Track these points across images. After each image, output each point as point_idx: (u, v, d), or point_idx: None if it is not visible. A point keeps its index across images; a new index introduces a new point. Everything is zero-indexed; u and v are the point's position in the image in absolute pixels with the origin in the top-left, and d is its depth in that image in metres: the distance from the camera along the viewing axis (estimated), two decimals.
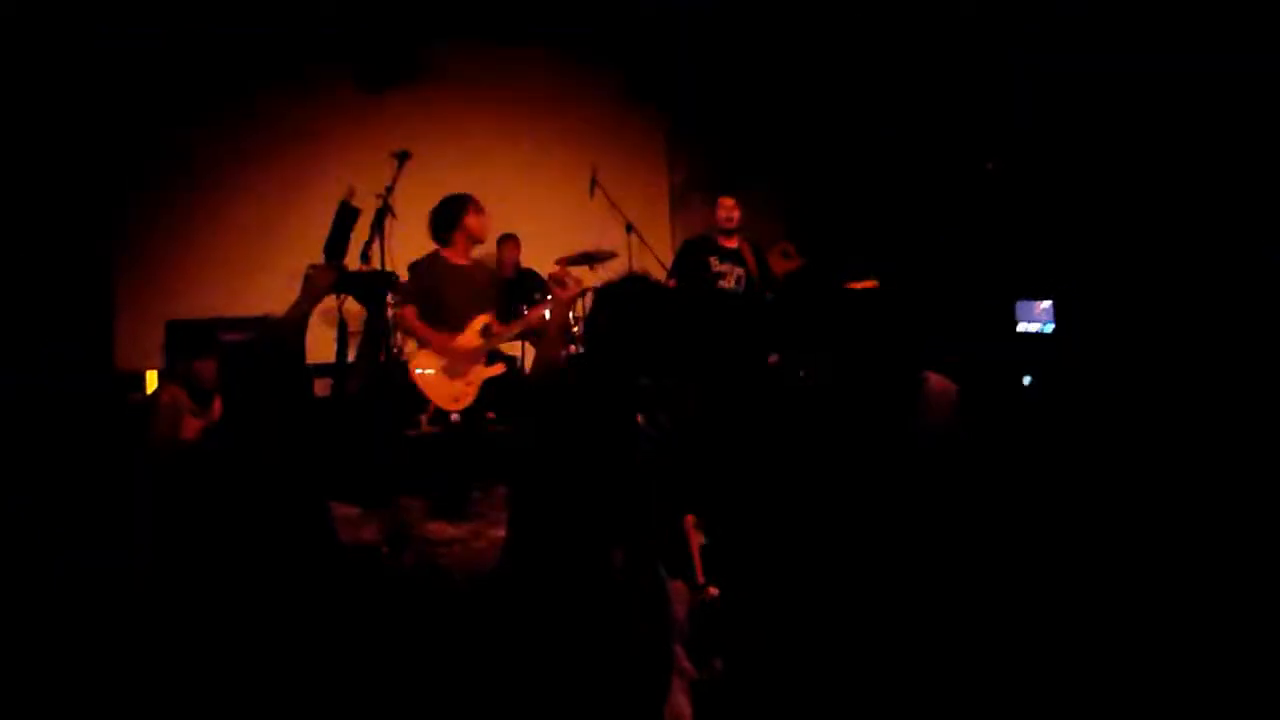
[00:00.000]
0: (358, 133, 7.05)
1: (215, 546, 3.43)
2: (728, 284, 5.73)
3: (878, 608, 3.01)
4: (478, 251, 5.48)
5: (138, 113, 6.73)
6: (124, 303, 6.74)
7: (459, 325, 5.05)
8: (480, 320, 5.10)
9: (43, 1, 6.18)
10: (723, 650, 3.08)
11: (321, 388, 6.42)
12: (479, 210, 5.18)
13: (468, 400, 4.96)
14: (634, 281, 2.89)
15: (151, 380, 6.25)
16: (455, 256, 5.14)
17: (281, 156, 7.18)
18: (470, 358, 5.00)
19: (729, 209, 5.74)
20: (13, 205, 6.04)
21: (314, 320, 6.71)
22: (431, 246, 5.19)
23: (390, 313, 5.62)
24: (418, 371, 4.96)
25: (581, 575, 2.80)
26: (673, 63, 7.73)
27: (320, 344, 6.74)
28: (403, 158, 5.29)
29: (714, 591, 3.37)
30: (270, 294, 6.72)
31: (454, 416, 5.00)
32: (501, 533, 3.97)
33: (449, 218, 5.13)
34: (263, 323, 6.34)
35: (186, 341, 5.29)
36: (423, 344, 5.03)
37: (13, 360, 5.55)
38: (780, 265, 6.31)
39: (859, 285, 5.57)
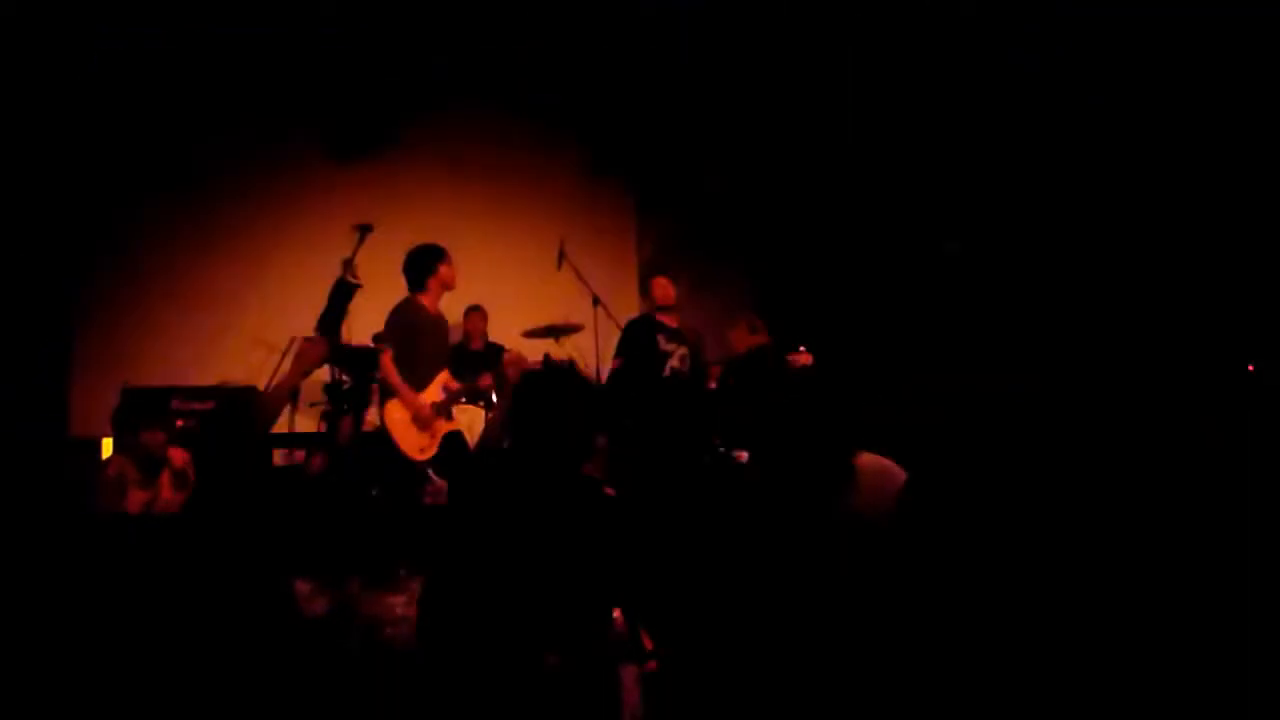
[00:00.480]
0: (321, 203, 7.09)
1: (160, 621, 3.34)
2: (674, 363, 5.82)
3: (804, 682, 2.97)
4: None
5: (103, 175, 6.73)
6: (81, 367, 6.66)
7: (426, 377, 5.26)
8: (441, 377, 5.33)
9: (23, 50, 6.22)
10: None
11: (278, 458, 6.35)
12: (449, 260, 5.40)
13: (431, 452, 5.19)
14: (556, 371, 2.92)
15: (107, 447, 6.15)
16: (430, 304, 5.34)
17: (246, 225, 7.19)
18: (434, 411, 5.21)
19: (664, 287, 5.96)
20: None
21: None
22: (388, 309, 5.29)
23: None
24: (391, 418, 5.13)
25: (508, 679, 2.74)
26: (640, 138, 7.84)
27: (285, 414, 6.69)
28: (364, 231, 5.30)
29: (652, 666, 3.30)
30: (229, 362, 6.73)
31: (419, 453, 5.18)
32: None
33: (424, 266, 5.32)
34: (221, 392, 6.32)
35: (137, 409, 5.22)
36: (392, 394, 5.16)
37: None
38: (745, 340, 6.32)
39: (795, 358, 5.58)
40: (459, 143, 7.64)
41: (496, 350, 6.87)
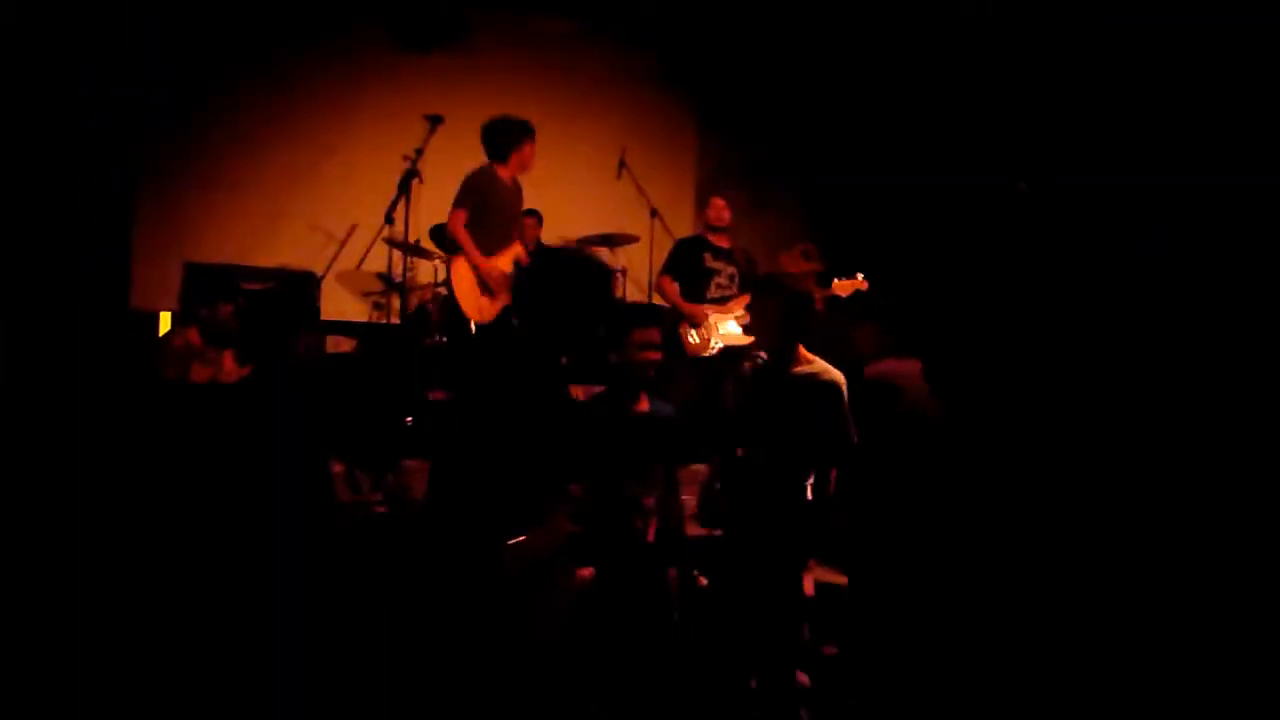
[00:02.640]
0: (389, 94, 7.02)
1: (214, 488, 3.46)
2: (721, 281, 5.84)
3: None
4: None
5: (172, 55, 6.71)
6: (142, 242, 6.74)
7: (497, 246, 5.27)
8: (514, 249, 5.37)
9: None
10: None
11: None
12: (534, 140, 5.35)
13: (489, 316, 5.21)
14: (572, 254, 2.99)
15: (165, 321, 6.27)
16: (505, 177, 5.32)
17: (310, 111, 7.15)
18: (500, 282, 5.24)
19: (719, 209, 5.94)
20: (36, 136, 6.05)
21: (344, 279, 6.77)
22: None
23: None
24: (457, 273, 5.16)
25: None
26: (708, 51, 7.69)
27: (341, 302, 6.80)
28: (435, 121, 5.33)
29: (703, 581, 3.41)
30: (289, 245, 6.80)
31: (476, 314, 5.19)
32: None
33: (510, 138, 5.28)
34: (281, 274, 6.39)
35: (207, 285, 5.31)
36: (462, 253, 5.18)
37: (29, 292, 5.56)
38: (798, 265, 6.29)
39: (846, 283, 5.52)
40: (526, 41, 7.53)
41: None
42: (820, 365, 3.43)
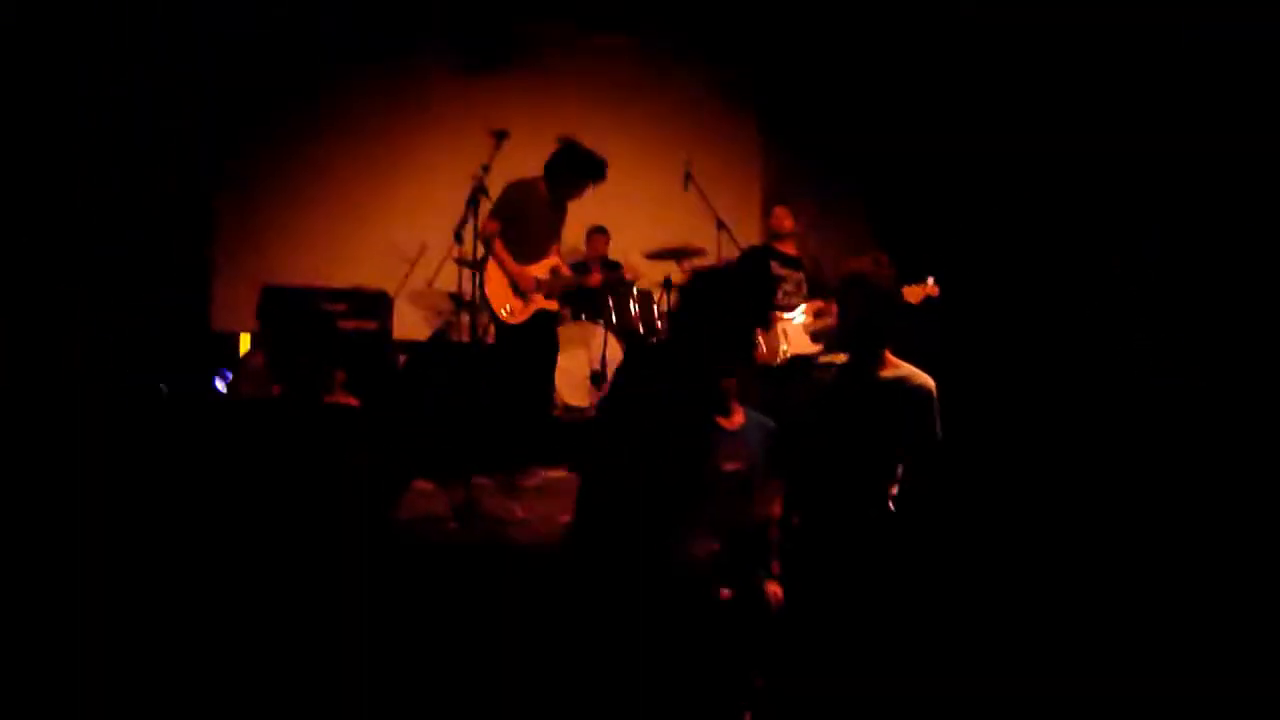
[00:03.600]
0: (456, 112, 7.13)
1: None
2: (788, 288, 5.83)
3: None
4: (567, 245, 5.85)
5: (252, 79, 6.90)
6: (222, 263, 6.93)
7: (530, 257, 5.38)
8: (552, 259, 5.49)
9: None
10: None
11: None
12: (596, 184, 5.46)
13: (519, 318, 5.32)
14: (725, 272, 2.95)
15: (245, 343, 6.43)
16: (547, 192, 5.39)
17: (379, 132, 7.31)
18: (533, 286, 5.35)
19: (781, 217, 6.01)
20: (125, 156, 6.26)
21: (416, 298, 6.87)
22: None
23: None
24: (489, 275, 5.31)
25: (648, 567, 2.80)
26: (770, 65, 7.66)
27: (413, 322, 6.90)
28: (500, 136, 5.40)
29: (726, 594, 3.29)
30: (364, 267, 6.92)
31: (505, 313, 5.31)
32: (567, 518, 4.01)
33: (574, 174, 5.37)
34: (355, 295, 6.52)
35: (282, 309, 5.44)
36: (494, 258, 5.32)
37: (112, 309, 5.74)
38: (872, 271, 6.20)
39: (917, 289, 5.36)
40: (590, 58, 7.60)
41: (614, 268, 6.89)
42: (909, 369, 3.28)
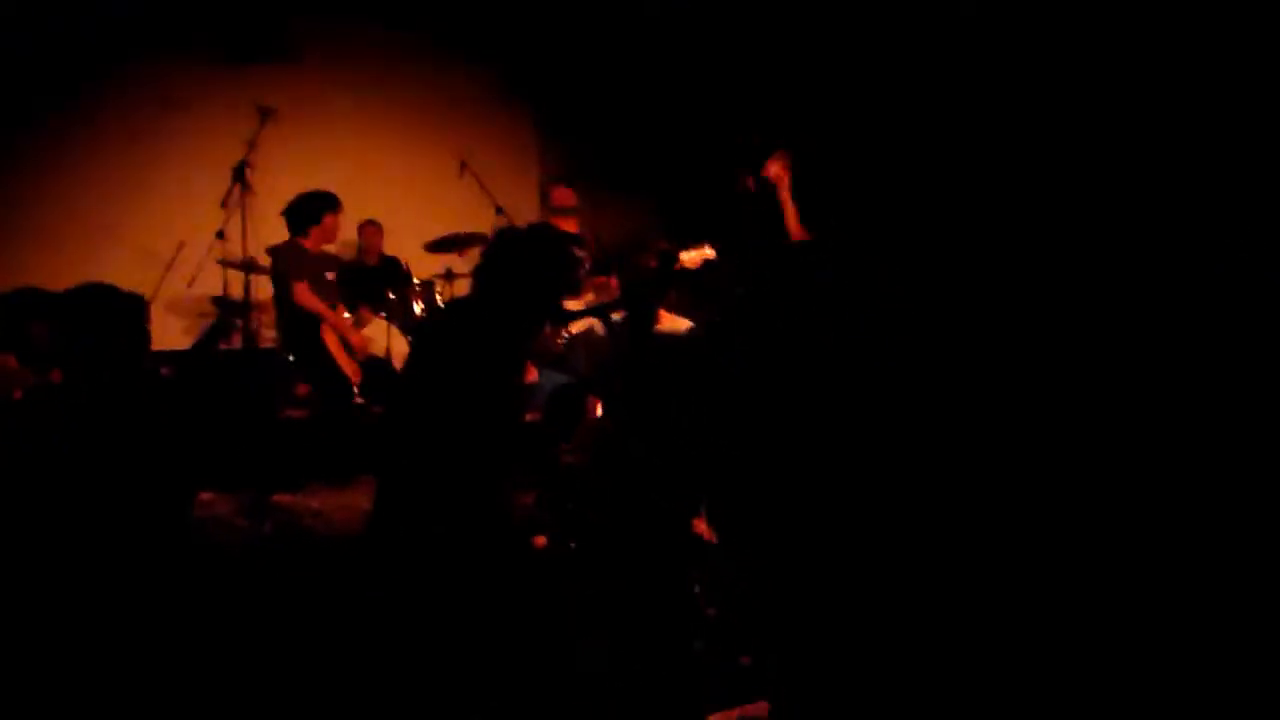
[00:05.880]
0: (217, 104, 6.73)
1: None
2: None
3: None
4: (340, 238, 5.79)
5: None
6: None
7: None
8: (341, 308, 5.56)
9: None
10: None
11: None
12: (337, 212, 5.39)
13: (360, 376, 5.37)
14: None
15: None
16: (310, 247, 5.34)
17: (137, 126, 6.83)
18: (355, 336, 5.50)
19: (562, 194, 6.00)
20: None
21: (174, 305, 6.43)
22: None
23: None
24: (332, 345, 5.31)
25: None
26: (544, 60, 7.71)
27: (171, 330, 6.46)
28: (266, 114, 5.20)
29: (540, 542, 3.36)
30: (110, 268, 6.38)
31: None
32: (364, 504, 3.88)
33: (308, 212, 5.28)
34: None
35: (16, 307, 4.91)
36: (321, 320, 5.29)
37: None
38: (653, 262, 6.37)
39: (694, 253, 5.55)
40: (359, 52, 7.38)
41: (392, 264, 6.72)
42: (679, 322, 3.57)
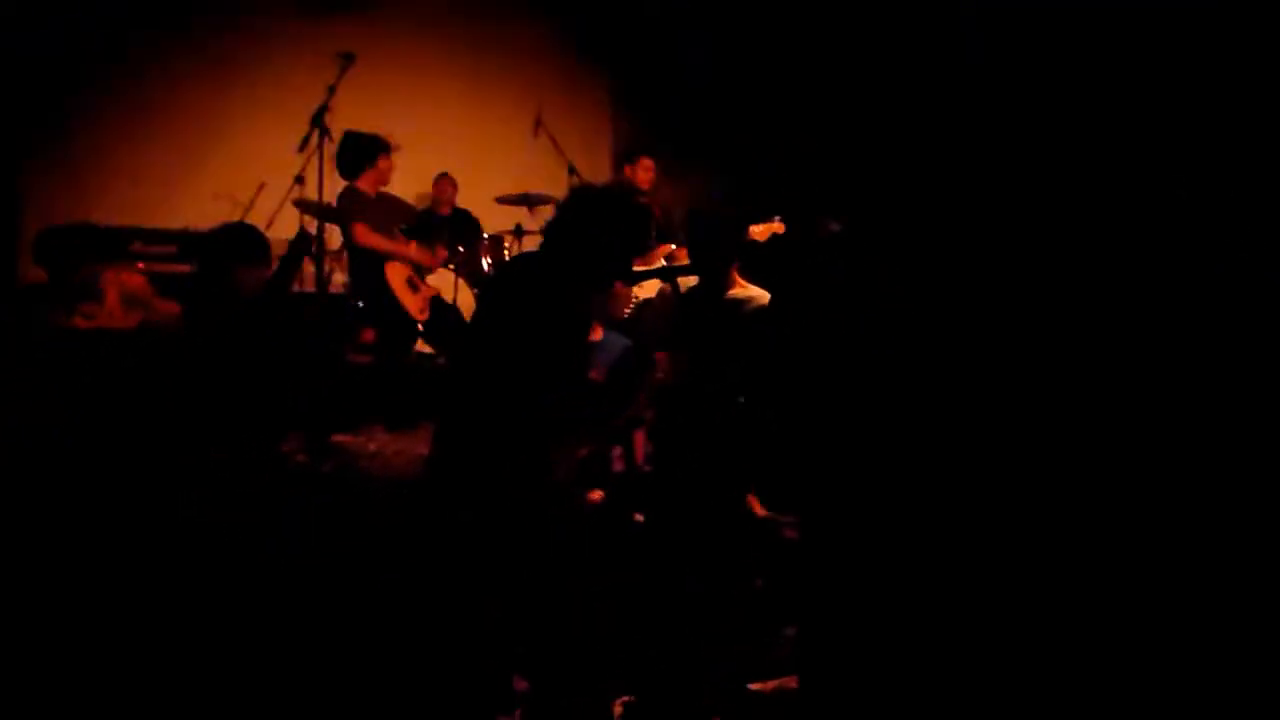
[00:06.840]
0: (299, 51, 6.76)
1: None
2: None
3: None
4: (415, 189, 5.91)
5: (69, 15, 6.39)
6: (34, 205, 6.40)
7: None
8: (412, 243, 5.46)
9: None
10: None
11: None
12: (390, 153, 5.34)
13: (426, 314, 5.33)
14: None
15: None
16: (368, 189, 5.31)
17: (215, 72, 6.90)
18: (422, 272, 5.41)
19: (645, 168, 5.89)
20: None
21: None
22: None
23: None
24: (395, 283, 5.26)
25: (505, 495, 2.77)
26: (622, 22, 7.64)
27: None
28: (347, 59, 5.23)
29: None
30: (191, 209, 6.52)
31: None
32: (421, 449, 3.93)
33: (361, 156, 5.25)
34: (183, 237, 6.15)
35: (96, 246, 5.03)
36: (386, 256, 5.24)
37: None
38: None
39: (762, 228, 5.45)
40: (439, 2, 7.38)
41: (464, 216, 6.77)
42: (754, 291, 3.48)
